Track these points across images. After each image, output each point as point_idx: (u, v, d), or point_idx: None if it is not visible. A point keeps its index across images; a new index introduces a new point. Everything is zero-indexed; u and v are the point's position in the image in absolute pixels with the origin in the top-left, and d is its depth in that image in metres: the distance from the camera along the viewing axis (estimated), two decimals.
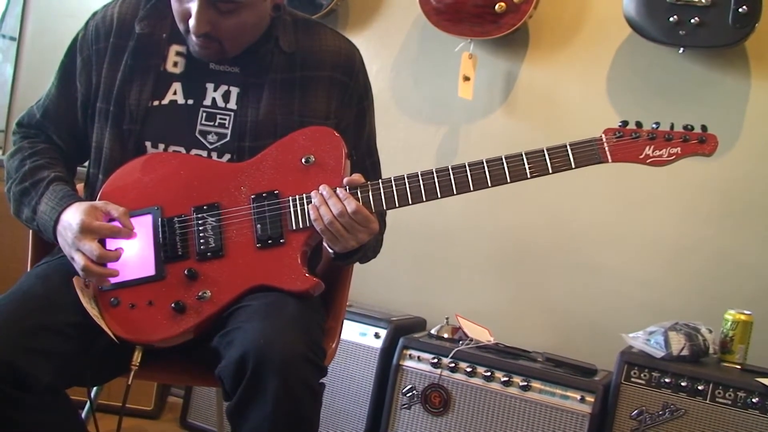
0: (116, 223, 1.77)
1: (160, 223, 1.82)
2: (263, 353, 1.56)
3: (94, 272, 1.73)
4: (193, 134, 1.88)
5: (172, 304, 1.74)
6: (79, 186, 2.02)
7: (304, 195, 1.78)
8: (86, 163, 2.00)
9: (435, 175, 1.77)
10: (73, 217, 1.75)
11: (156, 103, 1.89)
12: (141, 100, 1.88)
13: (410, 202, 1.78)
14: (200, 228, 1.80)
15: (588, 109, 3.08)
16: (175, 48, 1.92)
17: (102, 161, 1.90)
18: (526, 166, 1.74)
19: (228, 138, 1.87)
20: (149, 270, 1.79)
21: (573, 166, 1.74)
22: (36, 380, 1.59)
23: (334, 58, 1.94)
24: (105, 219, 1.76)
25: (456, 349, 2.74)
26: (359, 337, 2.89)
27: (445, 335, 2.91)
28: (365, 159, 2.04)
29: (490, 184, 1.75)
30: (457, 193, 1.77)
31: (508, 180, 1.75)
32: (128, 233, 1.77)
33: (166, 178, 1.84)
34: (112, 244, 1.78)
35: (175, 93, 1.90)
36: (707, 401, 2.41)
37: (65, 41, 2.01)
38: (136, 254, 1.80)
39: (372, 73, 2.05)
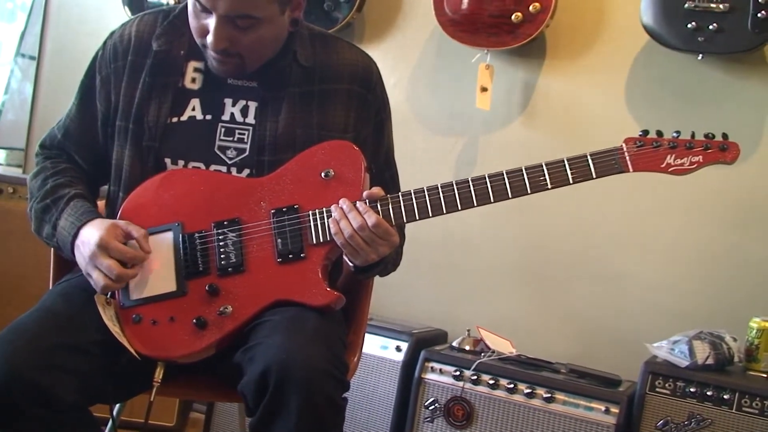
0: (134, 245, 1.78)
1: (180, 239, 1.82)
2: (286, 368, 1.56)
3: (113, 289, 1.75)
4: (212, 150, 1.88)
5: (194, 320, 1.75)
6: (101, 203, 2.03)
7: (324, 209, 1.78)
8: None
9: (455, 187, 1.77)
10: (91, 233, 1.75)
11: (175, 119, 1.89)
12: (160, 117, 1.88)
13: (430, 215, 1.77)
14: (221, 243, 1.81)
15: (607, 118, 3.07)
16: (192, 64, 1.93)
17: (122, 179, 1.91)
18: (547, 177, 1.74)
19: (247, 153, 1.88)
20: (170, 286, 1.80)
21: (594, 176, 1.74)
22: (60, 398, 1.59)
23: (352, 71, 1.94)
24: (124, 238, 1.77)
25: (478, 362, 2.73)
26: (380, 350, 2.89)
27: (467, 347, 2.90)
28: (384, 172, 2.03)
29: (510, 196, 1.75)
30: (478, 205, 1.77)
31: (529, 191, 1.74)
32: (142, 260, 1.77)
33: (186, 194, 1.85)
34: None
35: (193, 109, 1.90)
36: (734, 410, 2.39)
37: (84, 60, 2.03)
38: (157, 271, 1.80)
39: (389, 85, 2.04)
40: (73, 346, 1.66)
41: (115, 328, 1.73)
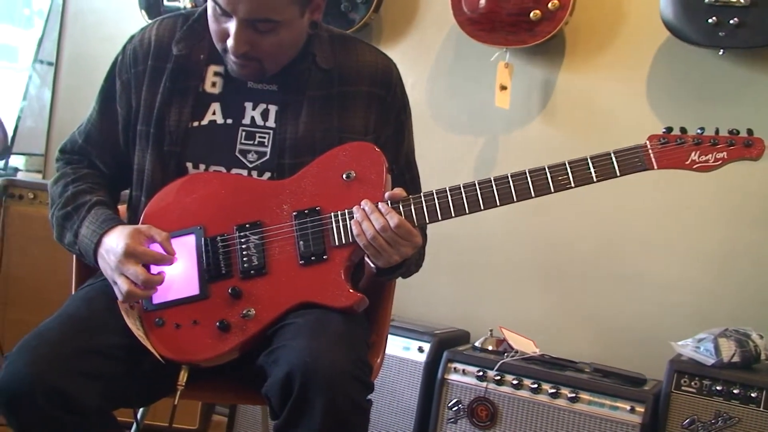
0: (158, 248, 1.78)
1: (203, 243, 1.83)
2: (310, 371, 1.56)
3: (138, 297, 1.75)
4: (233, 153, 1.88)
5: (217, 323, 1.75)
6: (122, 207, 2.04)
7: (346, 211, 1.79)
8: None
9: (477, 186, 1.77)
10: (116, 240, 1.76)
11: (195, 124, 1.90)
12: (181, 121, 1.89)
13: (453, 215, 1.77)
14: (243, 246, 1.81)
15: (628, 115, 3.06)
16: (212, 68, 1.93)
17: (144, 183, 1.91)
18: (570, 176, 1.73)
19: (268, 156, 1.88)
20: (193, 289, 1.81)
21: (617, 174, 1.73)
22: (84, 403, 1.60)
23: (372, 72, 1.94)
24: (147, 243, 1.78)
25: (501, 362, 2.73)
26: (403, 351, 2.89)
27: (490, 347, 2.90)
28: (405, 173, 2.03)
29: (533, 195, 1.74)
30: (501, 205, 1.77)
31: (552, 190, 1.74)
32: (170, 260, 1.79)
33: (207, 197, 1.85)
34: (154, 267, 1.80)
35: (214, 113, 1.91)
36: (761, 408, 2.38)
37: (102, 65, 2.04)
38: (180, 274, 1.81)
39: (407, 85, 2.04)
40: (96, 351, 1.67)
41: (139, 332, 1.74)
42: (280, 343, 1.68)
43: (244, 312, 1.76)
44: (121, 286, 1.73)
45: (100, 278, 1.89)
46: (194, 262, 1.82)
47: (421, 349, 2.87)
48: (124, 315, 1.74)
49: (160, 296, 1.80)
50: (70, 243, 1.88)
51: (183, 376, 1.76)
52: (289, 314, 1.75)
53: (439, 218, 1.78)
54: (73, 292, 2.01)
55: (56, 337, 1.65)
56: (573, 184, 1.74)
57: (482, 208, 1.77)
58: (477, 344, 2.93)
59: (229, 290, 1.78)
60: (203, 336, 1.76)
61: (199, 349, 1.76)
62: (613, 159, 1.73)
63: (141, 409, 2.09)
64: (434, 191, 1.78)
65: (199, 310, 1.79)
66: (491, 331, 2.95)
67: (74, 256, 1.98)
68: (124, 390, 1.72)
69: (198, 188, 1.87)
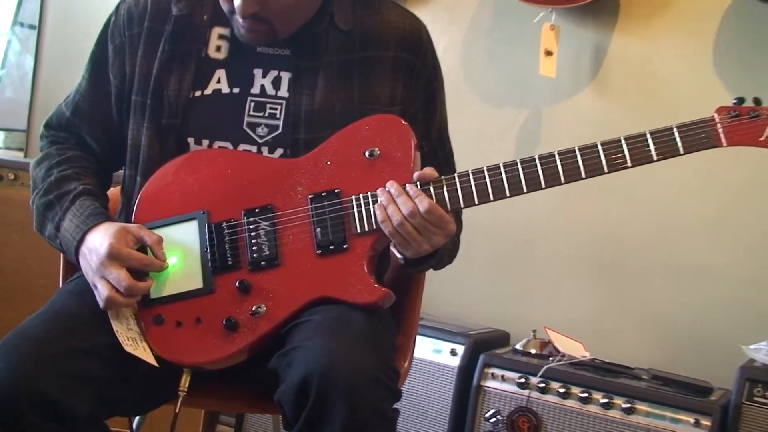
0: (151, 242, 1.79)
1: (207, 230, 1.83)
2: (328, 375, 1.56)
3: (118, 304, 1.74)
4: (240, 127, 1.89)
5: (223, 321, 1.76)
6: (115, 189, 2.06)
7: (369, 193, 1.78)
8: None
9: (520, 166, 1.75)
10: (100, 239, 1.76)
11: (198, 93, 1.90)
12: (181, 90, 1.89)
13: (491, 199, 1.76)
14: (252, 234, 1.81)
15: (691, 84, 3.04)
16: (217, 31, 1.94)
17: (139, 161, 1.92)
18: (627, 154, 1.71)
19: (280, 130, 1.89)
20: (196, 283, 1.81)
21: (681, 152, 1.71)
22: (73, 410, 1.61)
23: (398, 35, 1.94)
24: (136, 245, 1.79)
25: (546, 367, 2.74)
26: (433, 354, 2.90)
27: (533, 351, 2.91)
28: (437, 150, 2.03)
29: (584, 176, 1.73)
30: (546, 187, 1.75)
31: (606, 170, 1.72)
32: (159, 267, 1.79)
33: (212, 178, 1.86)
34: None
35: (218, 81, 1.91)
36: None
37: (91, 28, 2.05)
38: (181, 266, 1.82)
39: (439, 50, 2.03)
40: (87, 351, 1.68)
41: (129, 334, 1.74)
42: (294, 344, 1.67)
43: (253, 308, 1.76)
44: (101, 290, 1.73)
45: None
46: (197, 252, 1.82)
47: (454, 352, 2.89)
48: (111, 316, 1.75)
49: (159, 290, 1.81)
50: (51, 236, 1.88)
51: (185, 381, 1.76)
52: (305, 311, 1.74)
53: (476, 202, 1.77)
54: (60, 285, 2.02)
55: (42, 336, 1.66)
56: (630, 164, 1.72)
57: (525, 190, 1.75)
58: (518, 347, 2.95)
59: (237, 284, 1.78)
60: (207, 335, 1.77)
61: (202, 350, 1.76)
62: (676, 134, 1.72)
63: (137, 418, 2.10)
64: (470, 171, 1.77)
65: (202, 307, 1.79)
66: (534, 332, 2.96)
67: None
68: (119, 395, 1.73)
69: (201, 167, 1.87)
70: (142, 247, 1.79)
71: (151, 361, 1.74)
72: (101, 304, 1.74)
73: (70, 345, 1.66)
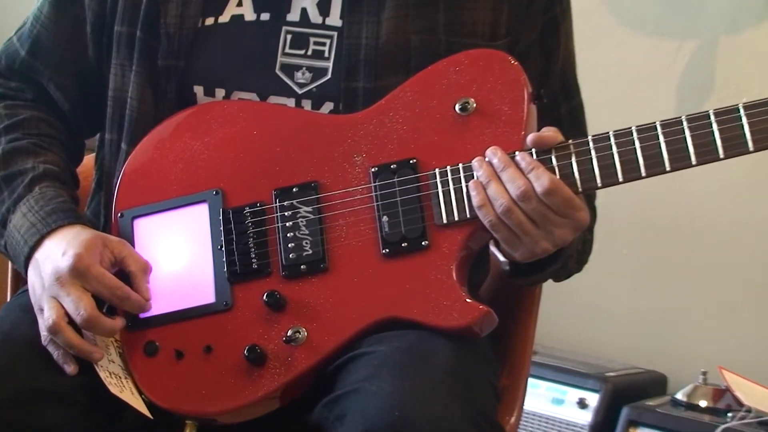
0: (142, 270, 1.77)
1: (221, 218, 1.79)
2: None
3: (65, 339, 1.67)
4: (271, 71, 1.85)
5: (245, 352, 1.69)
6: (88, 159, 2.06)
7: (461, 165, 1.71)
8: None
9: (685, 125, 1.64)
10: (64, 246, 1.72)
11: (209, 21, 1.88)
12: (185, 18, 1.87)
13: (642, 175, 1.67)
14: (288, 224, 1.76)
15: None
16: None
17: (125, 121, 1.90)
18: None
19: (329, 76, 1.85)
20: (206, 295, 1.77)
21: None
22: None
23: None
24: (112, 268, 1.75)
25: (724, 427, 2.68)
26: (552, 405, 2.92)
27: (702, 403, 2.86)
28: (560, 103, 1.97)
29: None
30: (726, 157, 1.65)
31: None
32: (138, 307, 1.74)
33: (229, 143, 1.83)
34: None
35: (239, 4, 1.89)
36: None
37: None
38: (183, 270, 1.80)
39: None
40: (49, 393, 1.65)
41: (111, 368, 1.71)
42: (348, 387, 1.61)
43: (289, 333, 1.70)
44: (47, 315, 1.68)
45: None
46: (207, 251, 1.79)
47: (583, 403, 2.89)
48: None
49: (153, 305, 1.77)
50: None
51: None
52: (364, 338, 1.69)
53: (620, 179, 1.67)
54: (9, 299, 2.02)
55: None
56: None
57: (694, 162, 1.64)
58: (679, 396, 2.98)
59: (265, 297, 1.72)
60: (222, 372, 1.72)
61: (214, 394, 1.72)
62: None
63: None
64: (611, 133, 1.67)
65: (214, 330, 1.75)
66: (704, 374, 2.95)
67: None
68: None
69: (213, 128, 1.83)
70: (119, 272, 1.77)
71: (142, 409, 1.70)
72: (42, 334, 1.69)
73: (25, 386, 1.65)
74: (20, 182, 1.83)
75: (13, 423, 1.59)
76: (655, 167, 1.65)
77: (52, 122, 1.96)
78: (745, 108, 1.63)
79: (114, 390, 1.66)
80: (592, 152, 1.66)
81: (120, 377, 1.71)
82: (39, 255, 1.75)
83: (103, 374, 1.67)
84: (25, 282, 1.92)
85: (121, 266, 1.74)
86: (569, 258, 1.83)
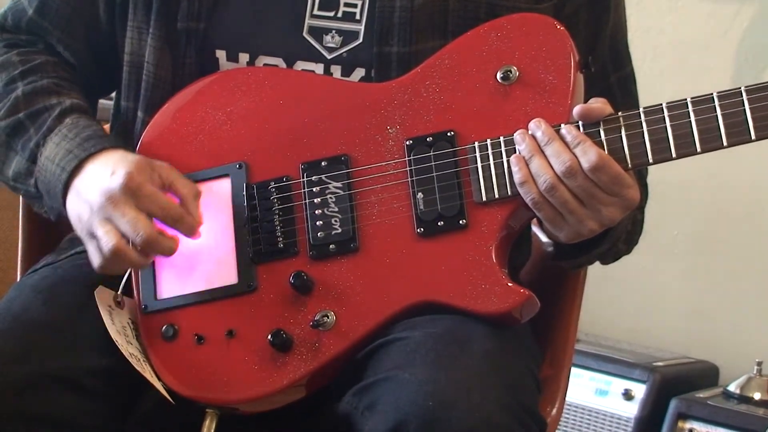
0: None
1: (245, 193, 1.77)
2: (434, 425, 1.50)
3: (127, 264, 1.68)
4: (298, 34, 1.83)
5: (269, 337, 1.67)
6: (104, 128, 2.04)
7: (502, 138, 1.68)
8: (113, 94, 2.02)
9: (745, 96, 1.60)
10: (112, 167, 1.69)
11: None
12: None
13: (698, 150, 1.63)
14: (316, 201, 1.74)
15: None
16: None
17: (142, 88, 1.88)
18: None
19: (360, 40, 1.82)
20: (228, 276, 1.75)
21: None
22: None
23: None
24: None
25: None
26: (596, 397, 2.92)
27: (756, 395, 2.83)
28: (609, 72, 1.93)
29: None
30: None
31: None
32: (190, 227, 1.72)
33: (253, 113, 1.80)
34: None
35: None
36: None
37: None
38: (205, 249, 1.76)
39: None
40: (60, 379, 1.63)
41: (130, 349, 1.68)
42: (380, 374, 1.61)
43: (317, 317, 1.67)
44: (104, 239, 1.64)
45: (66, 253, 1.88)
46: (229, 229, 1.76)
47: (629, 395, 2.89)
48: (104, 317, 1.69)
49: (171, 287, 1.77)
50: (20, 173, 1.84)
51: (209, 426, 1.71)
52: (397, 323, 1.67)
53: (673, 155, 1.64)
54: (18, 278, 2.02)
55: None
56: None
57: (753, 137, 1.62)
58: (732, 388, 2.99)
59: (291, 279, 1.70)
60: (245, 358, 1.70)
61: (237, 381, 1.70)
62: None
63: None
64: (663, 105, 1.64)
65: (237, 313, 1.73)
66: (759, 364, 2.95)
67: (21, 214, 1.97)
68: None
69: (236, 96, 1.82)
70: None
71: (163, 391, 1.69)
72: (98, 260, 1.67)
73: (35, 370, 1.63)
74: (48, 116, 1.81)
75: (23, 410, 1.59)
76: (711, 142, 1.63)
77: (68, 69, 1.94)
78: None
79: (137, 366, 1.65)
80: (644, 125, 1.64)
81: (139, 359, 1.69)
82: (79, 182, 1.72)
83: (122, 348, 1.66)
84: (39, 255, 1.94)
85: (169, 190, 1.72)
86: (617, 239, 1.81)
